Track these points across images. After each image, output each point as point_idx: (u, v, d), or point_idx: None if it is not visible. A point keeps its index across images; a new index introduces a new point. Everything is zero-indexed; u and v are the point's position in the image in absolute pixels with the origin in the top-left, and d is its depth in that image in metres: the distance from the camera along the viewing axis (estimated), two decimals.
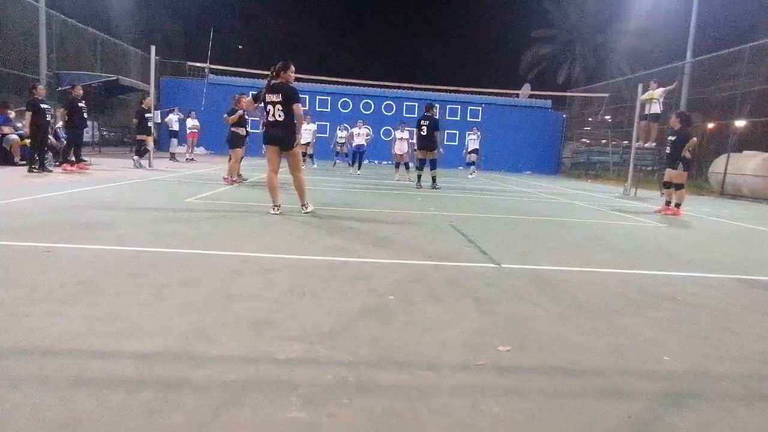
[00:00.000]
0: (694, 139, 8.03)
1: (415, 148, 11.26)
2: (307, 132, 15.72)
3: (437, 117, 11.14)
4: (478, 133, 17.22)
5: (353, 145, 15.01)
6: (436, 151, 10.91)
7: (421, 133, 10.82)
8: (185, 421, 1.44)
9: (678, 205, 8.13)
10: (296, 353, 1.96)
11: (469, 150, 17.10)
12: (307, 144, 15.75)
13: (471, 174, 16.62)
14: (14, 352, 1.82)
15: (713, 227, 6.91)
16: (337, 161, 17.71)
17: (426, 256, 3.86)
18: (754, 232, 6.68)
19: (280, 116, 5.49)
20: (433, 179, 10.86)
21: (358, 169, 15.02)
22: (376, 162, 23.16)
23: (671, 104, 15.42)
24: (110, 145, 19.86)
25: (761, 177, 12.55)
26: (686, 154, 7.95)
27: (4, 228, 3.96)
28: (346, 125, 18.19)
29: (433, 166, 11.03)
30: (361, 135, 14.75)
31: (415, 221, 5.72)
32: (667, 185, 8.39)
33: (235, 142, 9.00)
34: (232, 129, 8.92)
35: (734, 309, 2.94)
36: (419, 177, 11.04)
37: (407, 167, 13.12)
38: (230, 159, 9.36)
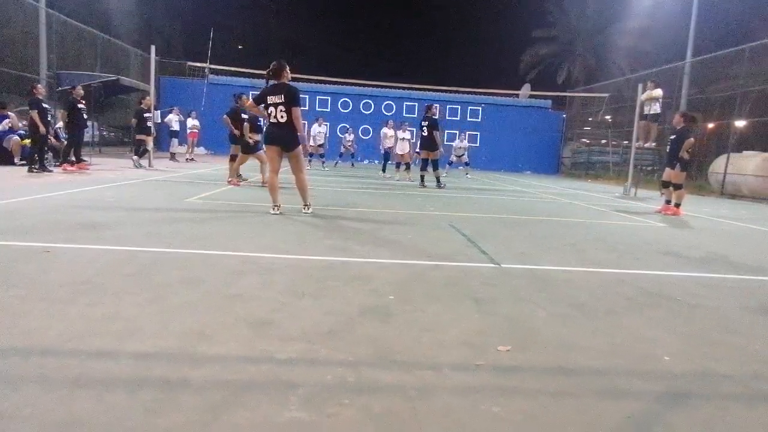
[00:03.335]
0: (691, 139, 8.03)
1: (417, 149, 11.38)
2: (320, 135, 15.70)
3: (436, 117, 11.28)
4: (465, 140, 17.43)
5: (386, 147, 14.57)
6: (437, 151, 11.07)
7: (423, 133, 11.09)
8: (185, 421, 1.44)
9: (678, 205, 8.12)
10: (296, 353, 1.96)
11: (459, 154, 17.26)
12: (321, 145, 15.75)
13: (467, 174, 16.69)
14: (14, 352, 1.82)
15: (713, 227, 6.91)
16: (339, 161, 17.71)
17: (426, 256, 3.86)
18: (754, 233, 6.68)
19: (282, 117, 5.45)
20: (437, 179, 10.96)
21: (383, 170, 14.86)
22: (376, 162, 23.16)
23: (671, 104, 15.42)
24: (110, 145, 19.87)
25: (761, 177, 12.55)
26: (684, 154, 7.98)
27: (4, 228, 3.95)
28: (346, 125, 18.19)
29: (435, 167, 11.14)
30: (392, 137, 14.33)
31: (415, 221, 5.72)
32: (666, 184, 8.43)
33: (236, 140, 9.20)
34: (228, 126, 9.15)
35: (734, 309, 2.94)
36: (422, 177, 11.13)
37: (408, 167, 13.14)
38: (230, 160, 9.48)
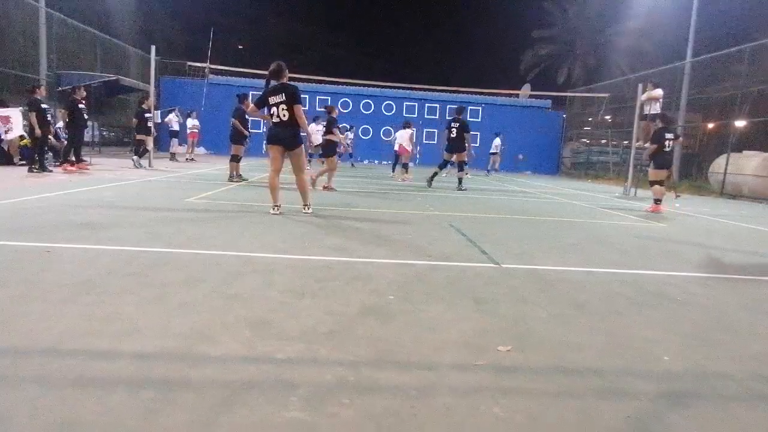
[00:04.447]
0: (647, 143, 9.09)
1: (445, 149, 11.21)
2: (318, 133, 15.65)
3: (467, 120, 11.15)
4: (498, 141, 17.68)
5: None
6: (465, 153, 11.01)
7: (451, 135, 10.86)
8: (185, 421, 1.44)
9: (657, 201, 8.34)
10: (296, 353, 1.96)
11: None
12: (319, 145, 15.71)
13: (467, 174, 16.75)
14: (14, 352, 1.82)
15: (713, 227, 6.91)
16: (339, 161, 17.69)
17: (426, 256, 3.86)
18: (754, 232, 6.68)
19: (284, 116, 5.48)
20: (460, 181, 10.94)
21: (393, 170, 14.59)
22: (376, 162, 23.16)
23: (671, 104, 15.42)
24: (110, 145, 19.87)
25: (761, 177, 12.54)
26: (648, 148, 8.82)
27: (3, 228, 3.95)
28: (345, 125, 18.11)
29: (461, 168, 11.10)
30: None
31: (415, 221, 5.72)
32: (655, 184, 8.75)
33: (238, 141, 9.31)
34: (237, 128, 9.31)
35: (734, 309, 2.94)
36: (434, 176, 11.01)
37: (406, 167, 13.14)
38: (231, 160, 9.54)
